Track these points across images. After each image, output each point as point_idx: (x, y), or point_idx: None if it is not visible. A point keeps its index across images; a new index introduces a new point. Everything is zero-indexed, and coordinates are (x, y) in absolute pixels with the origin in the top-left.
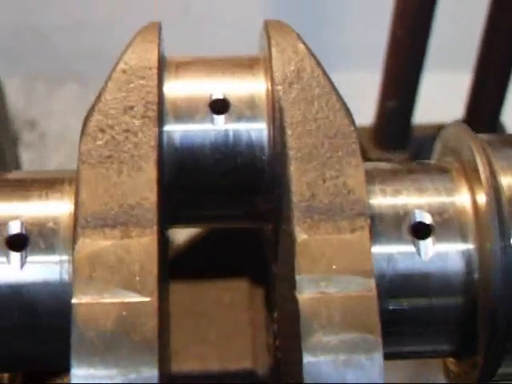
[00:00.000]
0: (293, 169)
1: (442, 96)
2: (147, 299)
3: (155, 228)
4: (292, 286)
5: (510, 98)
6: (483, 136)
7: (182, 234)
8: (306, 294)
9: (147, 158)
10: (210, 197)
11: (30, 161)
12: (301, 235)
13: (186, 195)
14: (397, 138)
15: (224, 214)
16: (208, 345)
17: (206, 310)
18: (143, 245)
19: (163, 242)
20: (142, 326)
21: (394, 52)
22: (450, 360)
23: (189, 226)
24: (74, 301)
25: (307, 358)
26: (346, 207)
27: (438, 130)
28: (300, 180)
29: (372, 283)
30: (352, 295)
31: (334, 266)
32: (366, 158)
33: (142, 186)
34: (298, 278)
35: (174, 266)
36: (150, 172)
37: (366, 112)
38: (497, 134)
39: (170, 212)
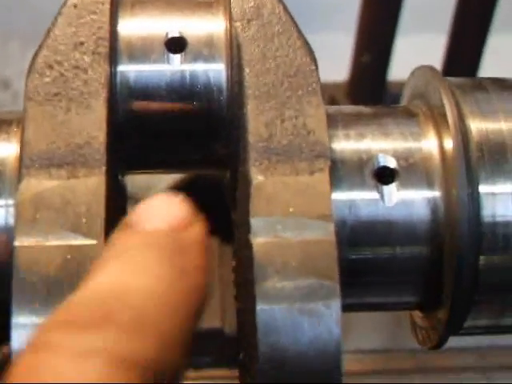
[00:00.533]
0: (250, 108)
1: (418, 56)
2: (93, 242)
3: (103, 169)
4: (247, 230)
5: (485, 58)
6: (453, 79)
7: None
8: (260, 237)
9: (97, 95)
10: (166, 141)
11: None
12: (257, 177)
13: (141, 139)
14: (371, 94)
15: (181, 159)
16: None
17: None
18: (90, 186)
19: (117, 187)
20: (87, 270)
21: (369, 4)
22: (417, 314)
23: (146, 172)
24: (15, 244)
25: (260, 305)
26: (306, 148)
27: None
28: (257, 120)
29: (331, 227)
30: (309, 240)
31: (290, 209)
32: None
33: (91, 125)
34: (252, 221)
35: None
36: (100, 110)
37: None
38: (467, 77)
39: (124, 156)
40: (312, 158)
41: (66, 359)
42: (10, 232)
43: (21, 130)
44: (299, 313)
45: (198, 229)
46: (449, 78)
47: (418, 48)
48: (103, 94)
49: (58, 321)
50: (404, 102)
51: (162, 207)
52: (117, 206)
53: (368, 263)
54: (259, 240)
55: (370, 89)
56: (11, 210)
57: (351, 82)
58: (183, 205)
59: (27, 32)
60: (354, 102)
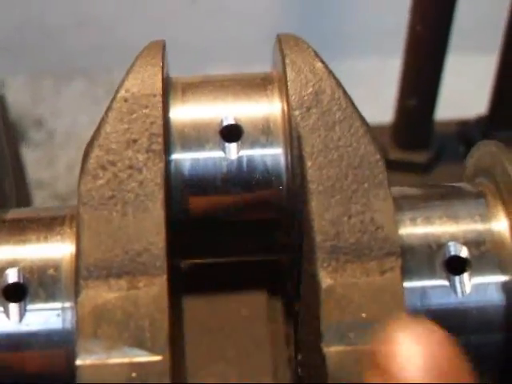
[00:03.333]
0: (314, 204)
1: (463, 93)
2: (158, 358)
3: (165, 277)
4: (317, 335)
5: None
6: None
7: None
8: (333, 346)
9: (153, 197)
10: (222, 231)
11: (37, 160)
12: (325, 280)
13: (197, 229)
14: (418, 137)
15: (239, 247)
16: (227, 362)
17: (223, 326)
18: (152, 296)
19: (175, 279)
20: None
21: (413, 47)
22: None
23: (203, 259)
24: (78, 362)
25: None
26: (375, 246)
27: (460, 126)
28: (323, 217)
29: None
30: None
31: (363, 314)
32: (386, 158)
33: (149, 230)
34: (323, 328)
35: (190, 280)
36: (157, 213)
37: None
38: None
39: (181, 247)
40: (382, 256)
41: None
42: (67, 339)
43: (75, 234)
44: None
45: (467, 377)
46: None
47: (463, 86)
48: (160, 196)
49: None
50: (468, 176)
51: (420, 347)
52: (175, 302)
53: None
54: (332, 349)
55: (416, 132)
56: (68, 315)
57: (397, 126)
58: (447, 344)
59: (60, 71)
60: (401, 146)
